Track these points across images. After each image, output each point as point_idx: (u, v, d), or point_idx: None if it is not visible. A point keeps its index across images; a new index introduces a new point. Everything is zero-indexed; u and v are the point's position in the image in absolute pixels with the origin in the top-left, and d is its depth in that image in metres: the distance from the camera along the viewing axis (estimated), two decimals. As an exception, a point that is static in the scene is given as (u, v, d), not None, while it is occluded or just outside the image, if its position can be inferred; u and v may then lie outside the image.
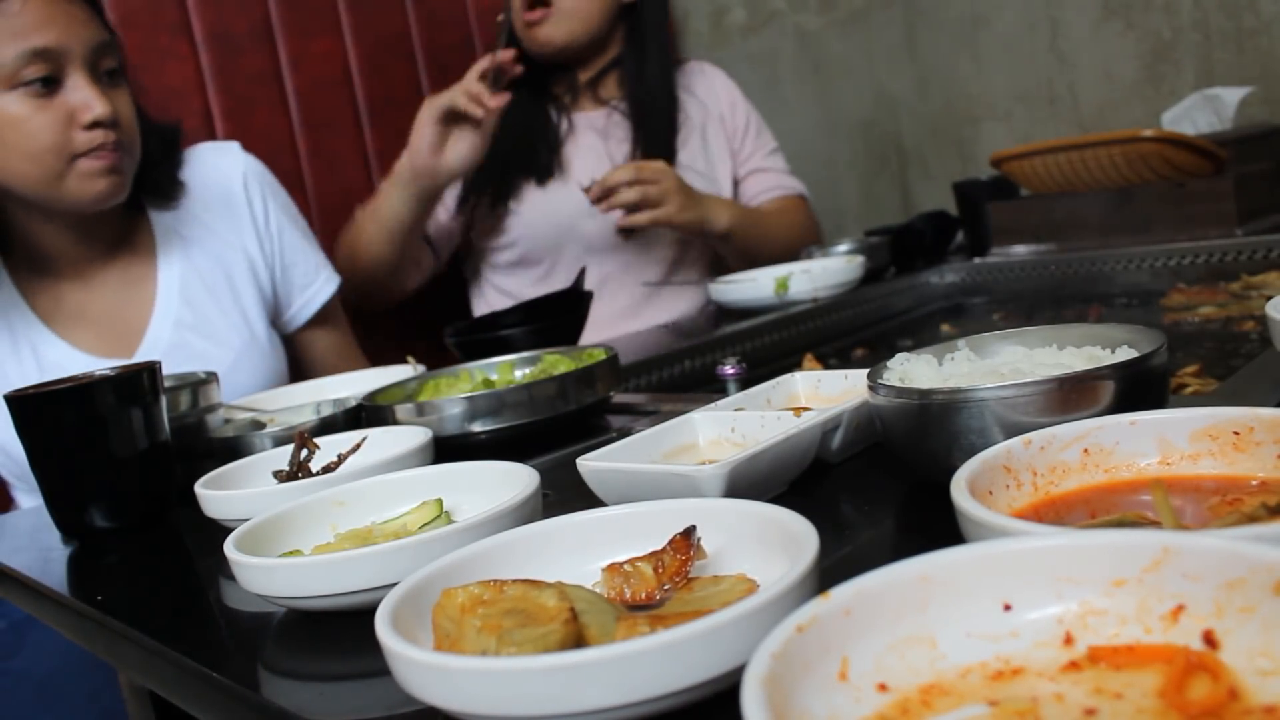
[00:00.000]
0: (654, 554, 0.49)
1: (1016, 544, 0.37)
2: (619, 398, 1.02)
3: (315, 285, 1.49)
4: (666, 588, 0.48)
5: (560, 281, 1.75)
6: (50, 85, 1.15)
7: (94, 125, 1.17)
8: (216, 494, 0.75)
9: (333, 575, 0.54)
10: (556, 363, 1.01)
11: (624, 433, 0.80)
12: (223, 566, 0.65)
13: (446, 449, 0.86)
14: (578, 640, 0.42)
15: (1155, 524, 0.44)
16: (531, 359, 1.05)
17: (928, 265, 1.61)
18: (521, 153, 1.76)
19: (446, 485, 0.68)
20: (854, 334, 1.45)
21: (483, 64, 1.52)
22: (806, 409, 0.68)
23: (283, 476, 0.81)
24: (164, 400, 0.87)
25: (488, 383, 1.02)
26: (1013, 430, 0.54)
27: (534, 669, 0.37)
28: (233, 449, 0.92)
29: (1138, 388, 0.55)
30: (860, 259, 1.50)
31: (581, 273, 1.36)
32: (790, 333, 1.38)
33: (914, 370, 0.64)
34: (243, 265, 1.40)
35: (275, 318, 1.47)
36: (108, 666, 1.09)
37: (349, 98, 1.90)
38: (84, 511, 0.84)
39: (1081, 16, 1.97)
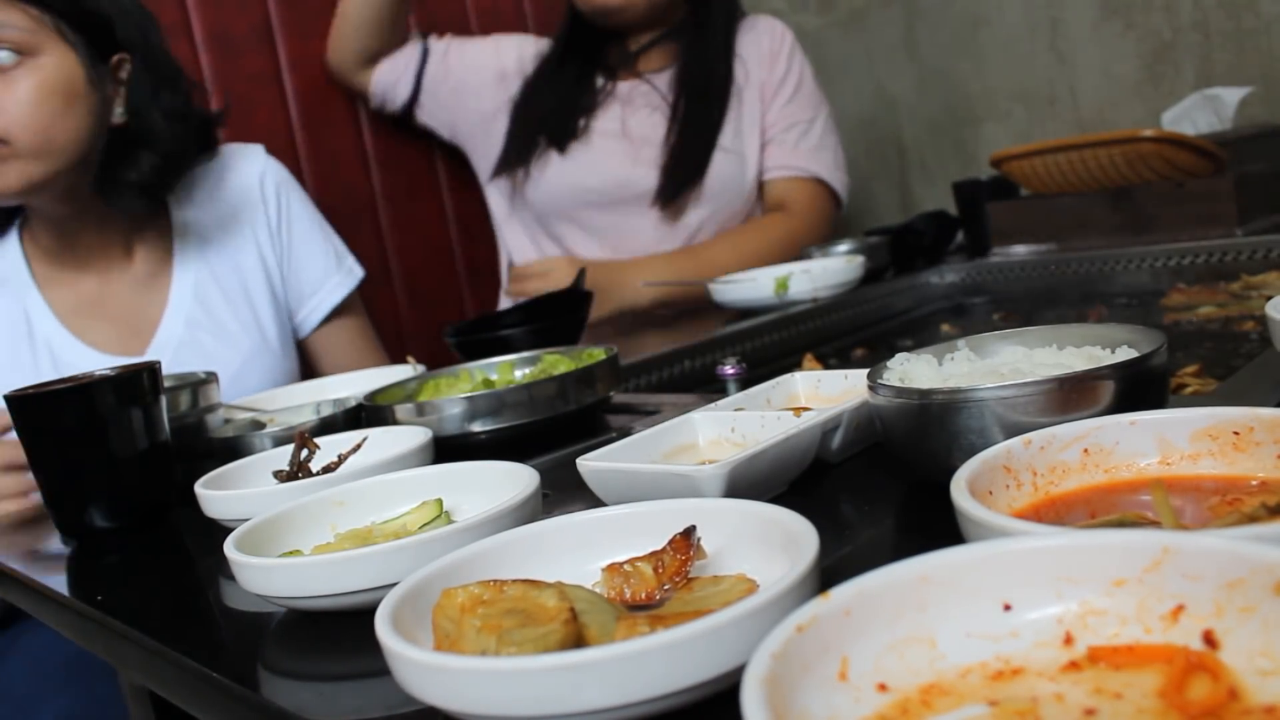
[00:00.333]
0: (654, 554, 0.49)
1: (1016, 544, 0.37)
2: (619, 398, 1.02)
3: (329, 286, 1.49)
4: (666, 588, 0.48)
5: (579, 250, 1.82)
6: None
7: None
8: (216, 494, 0.75)
9: (332, 575, 0.54)
10: (556, 363, 1.01)
11: (624, 433, 0.80)
12: (223, 566, 0.64)
13: (446, 449, 0.86)
14: (578, 640, 0.42)
15: (1155, 524, 0.44)
16: (531, 359, 1.05)
17: (928, 265, 1.61)
18: (550, 118, 1.79)
19: (446, 485, 0.67)
20: (854, 334, 1.45)
21: None
22: (806, 409, 0.68)
23: (283, 476, 0.81)
24: (164, 400, 0.87)
25: (488, 383, 1.02)
26: (1013, 430, 0.54)
27: (534, 669, 0.37)
28: (233, 449, 0.92)
29: (1138, 388, 0.55)
30: (860, 259, 1.50)
31: (581, 273, 1.35)
32: (790, 333, 1.38)
33: (914, 370, 0.64)
34: (257, 268, 1.40)
35: (290, 318, 1.47)
36: (83, 689, 1.07)
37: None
38: (84, 511, 0.83)
39: (1081, 17, 1.97)
